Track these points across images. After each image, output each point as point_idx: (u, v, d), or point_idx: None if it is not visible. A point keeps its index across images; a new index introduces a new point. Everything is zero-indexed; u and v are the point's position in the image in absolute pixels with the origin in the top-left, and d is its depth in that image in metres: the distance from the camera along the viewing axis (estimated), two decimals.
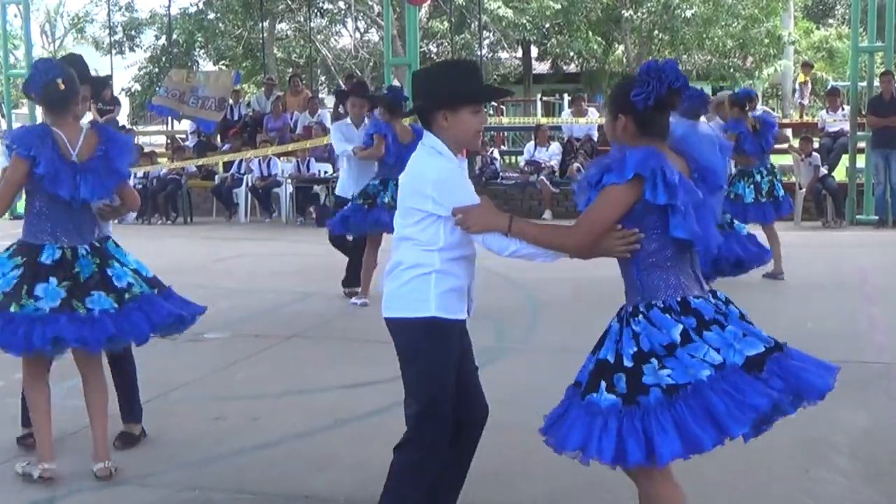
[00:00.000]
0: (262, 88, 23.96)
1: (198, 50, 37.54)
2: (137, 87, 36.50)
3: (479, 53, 29.07)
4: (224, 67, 34.37)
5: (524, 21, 30.80)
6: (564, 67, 36.76)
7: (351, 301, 9.99)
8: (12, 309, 5.01)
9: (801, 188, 16.56)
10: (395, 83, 17.54)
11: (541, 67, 38.61)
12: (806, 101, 25.41)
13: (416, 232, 3.99)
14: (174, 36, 33.50)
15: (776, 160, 12.86)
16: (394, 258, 4.09)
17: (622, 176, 3.63)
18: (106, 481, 5.25)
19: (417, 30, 20.22)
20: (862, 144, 16.74)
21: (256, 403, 6.73)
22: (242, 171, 19.38)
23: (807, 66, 25.43)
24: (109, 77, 26.35)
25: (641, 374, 3.64)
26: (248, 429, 6.18)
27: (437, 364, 4.03)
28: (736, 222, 9.92)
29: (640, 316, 3.71)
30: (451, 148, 4.06)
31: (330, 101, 26.82)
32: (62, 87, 5.21)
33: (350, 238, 10.43)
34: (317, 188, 18.64)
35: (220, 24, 36.71)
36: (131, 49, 37.21)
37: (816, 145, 17.59)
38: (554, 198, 17.97)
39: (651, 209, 3.67)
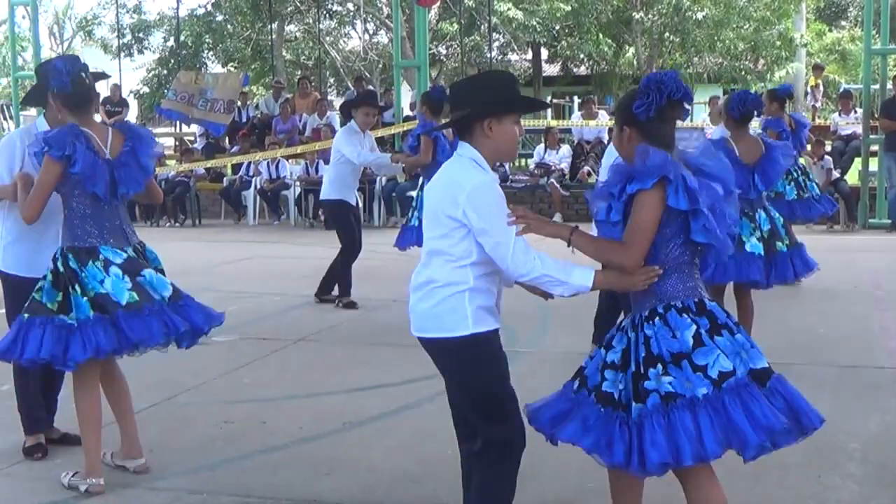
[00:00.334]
0: (271, 91, 23.99)
1: (206, 52, 37.59)
2: (146, 89, 36.57)
3: (489, 56, 29.11)
4: (232, 69, 34.42)
5: (534, 23, 30.77)
6: (575, 70, 36.73)
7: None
8: (146, 303, 5.11)
9: None
10: (405, 85, 17.54)
11: (551, 70, 38.59)
12: (818, 104, 25.37)
13: (448, 246, 3.94)
14: (182, 38, 33.57)
15: None
16: (425, 274, 4.03)
17: (646, 182, 3.67)
18: (142, 477, 5.33)
19: (427, 32, 20.24)
20: (875, 147, 16.70)
21: (263, 407, 6.73)
22: (251, 173, 19.42)
23: (818, 69, 25.39)
24: (108, 75, 26.48)
25: (646, 378, 3.71)
26: (256, 432, 6.18)
27: (491, 376, 4.03)
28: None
29: (657, 318, 3.75)
30: (489, 159, 4.03)
31: (339, 103, 26.87)
32: (88, 81, 5.26)
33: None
34: None
35: (229, 26, 36.77)
36: (139, 51, 37.30)
37: (829, 148, 17.54)
38: (564, 201, 17.96)
39: (673, 216, 3.71)
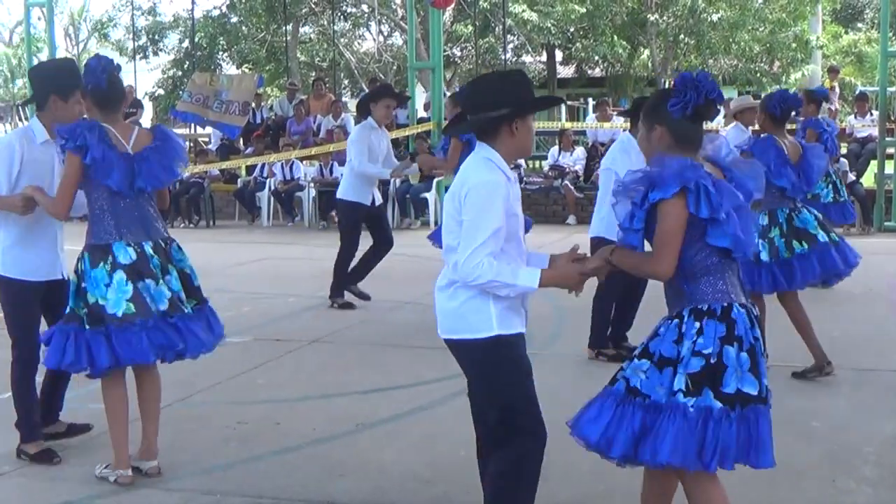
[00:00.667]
0: (285, 92, 24.02)
1: (221, 53, 37.69)
2: (161, 91, 36.68)
3: (503, 57, 29.09)
4: (247, 71, 34.48)
5: (549, 25, 30.75)
6: (589, 72, 36.70)
7: None
8: (154, 315, 5.13)
9: None
10: (420, 87, 17.53)
11: (565, 72, 38.57)
12: (834, 107, 25.29)
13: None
14: (197, 39, 33.63)
15: None
16: (448, 273, 4.05)
17: (667, 191, 3.69)
18: (156, 478, 5.34)
19: (441, 33, 20.22)
20: (891, 150, 16.65)
21: (277, 408, 6.74)
22: (265, 174, 19.44)
23: (833, 72, 25.28)
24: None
25: (631, 362, 3.88)
26: (269, 433, 6.19)
27: (510, 377, 4.03)
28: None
29: (675, 321, 3.80)
30: (510, 157, 4.05)
31: (353, 104, 26.89)
32: (118, 81, 5.31)
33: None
34: None
35: (244, 28, 36.86)
36: (154, 53, 37.42)
37: (844, 151, 17.47)
38: (578, 203, 17.93)
39: (695, 221, 3.72)
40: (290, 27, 33.58)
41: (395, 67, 35.79)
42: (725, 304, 3.76)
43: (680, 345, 3.74)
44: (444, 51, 24.97)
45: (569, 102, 29.18)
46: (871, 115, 18.38)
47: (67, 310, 5.25)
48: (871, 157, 17.43)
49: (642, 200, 3.76)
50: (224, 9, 36.92)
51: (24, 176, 5.43)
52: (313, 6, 35.52)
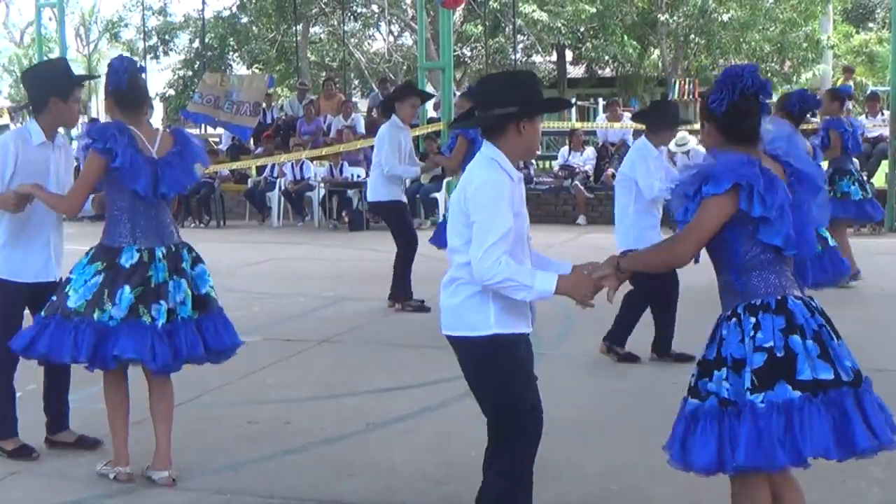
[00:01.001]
0: (295, 92, 24.04)
1: (231, 53, 37.74)
2: (171, 91, 36.74)
3: (513, 57, 29.08)
4: (257, 71, 34.52)
5: (559, 25, 30.73)
6: (599, 72, 36.67)
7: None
8: (95, 316, 5.07)
9: None
10: (429, 87, 17.53)
11: (575, 71, 38.54)
12: (847, 106, 25.18)
13: (466, 243, 3.94)
14: (207, 40, 33.68)
15: None
16: (451, 271, 4.06)
17: (720, 186, 3.66)
18: (169, 488, 5.28)
19: (451, 33, 20.21)
20: None
21: (287, 408, 6.75)
22: (275, 174, 19.47)
23: (848, 71, 25.22)
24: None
25: (710, 378, 3.74)
26: (279, 433, 6.20)
27: (505, 377, 4.02)
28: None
29: (734, 319, 3.75)
30: (516, 158, 4.05)
31: (363, 104, 26.89)
32: (142, 82, 5.32)
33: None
34: (350, 192, 18.68)
35: (254, 28, 36.90)
36: (165, 53, 37.48)
37: None
38: (588, 203, 17.92)
39: (749, 217, 3.69)
40: (300, 27, 33.58)
41: (405, 67, 35.80)
42: (779, 297, 3.72)
43: (745, 343, 3.69)
44: (455, 51, 24.96)
45: (579, 102, 29.13)
46: (883, 114, 18.33)
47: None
48: (882, 156, 17.38)
49: (695, 194, 3.74)
50: (234, 9, 36.97)
51: (18, 177, 5.43)
52: (324, 6, 35.54)
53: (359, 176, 18.73)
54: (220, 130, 22.02)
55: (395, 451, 5.81)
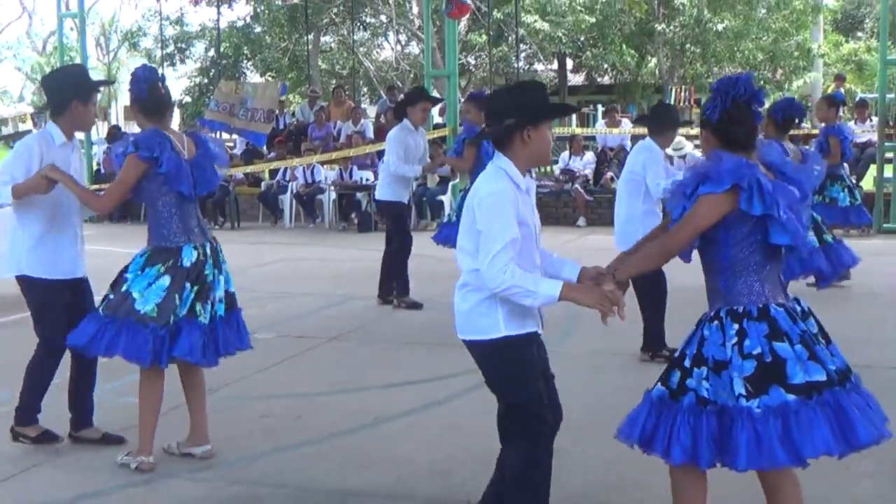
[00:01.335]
0: (307, 99, 24.04)
1: (245, 62, 37.77)
2: (188, 98, 36.77)
3: (516, 66, 29.07)
4: (270, 79, 34.54)
5: (560, 34, 30.72)
6: (599, 79, 36.63)
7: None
8: (171, 320, 5.16)
9: None
10: (435, 94, 17.50)
11: (576, 79, 38.51)
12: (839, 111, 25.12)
13: (475, 250, 3.95)
14: (222, 48, 33.69)
15: None
16: (462, 276, 4.07)
17: (719, 185, 3.67)
18: (184, 468, 5.37)
19: (456, 42, 20.22)
20: (889, 155, 16.60)
21: (299, 402, 6.76)
22: (287, 178, 19.47)
23: (839, 79, 25.17)
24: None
25: (690, 375, 3.76)
26: (291, 427, 6.21)
27: (520, 376, 4.04)
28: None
29: (716, 322, 3.76)
30: (527, 165, 4.06)
31: (372, 111, 26.89)
32: (163, 89, 5.34)
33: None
34: (359, 195, 18.68)
35: (267, 37, 36.93)
36: (182, 61, 37.54)
37: None
38: (588, 205, 17.91)
39: (746, 218, 3.69)
40: (311, 37, 33.59)
41: (412, 75, 35.80)
42: (761, 306, 3.72)
43: (726, 347, 3.70)
44: (459, 59, 24.94)
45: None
46: (871, 120, 18.31)
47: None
48: (870, 161, 17.37)
49: (692, 193, 3.75)
50: (248, 19, 37.02)
51: None
52: (334, 16, 35.55)
53: (367, 179, 18.73)
54: (234, 136, 22.02)
55: (402, 444, 5.81)
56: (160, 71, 5.57)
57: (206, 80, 35.00)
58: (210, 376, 6.83)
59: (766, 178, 3.71)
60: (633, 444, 3.90)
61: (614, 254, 4.63)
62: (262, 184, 20.25)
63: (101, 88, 6.20)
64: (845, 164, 12.21)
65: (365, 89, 37.99)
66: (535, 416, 4.02)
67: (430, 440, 5.90)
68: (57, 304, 5.56)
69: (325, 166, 19.52)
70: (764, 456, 3.59)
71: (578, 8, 30.46)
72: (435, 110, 20.84)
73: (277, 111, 20.99)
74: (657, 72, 33.55)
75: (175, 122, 28.37)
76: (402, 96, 13.53)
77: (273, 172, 20.28)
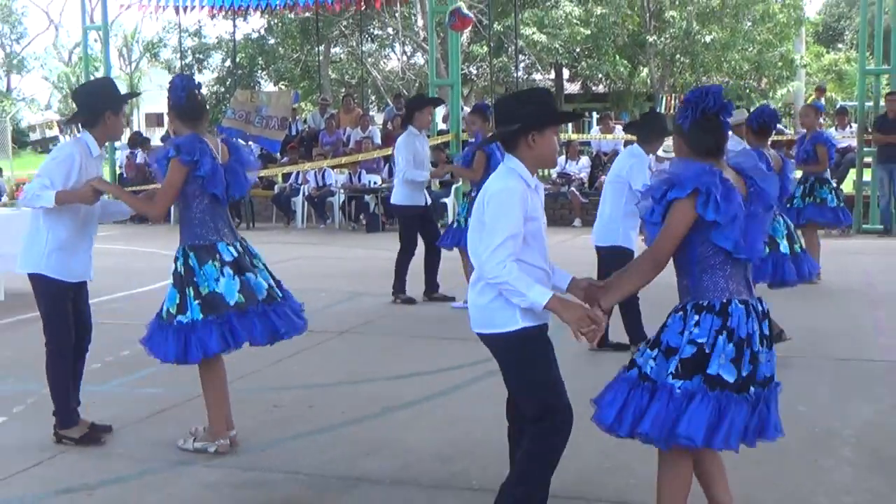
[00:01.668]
0: (318, 107, 24.05)
1: (259, 72, 37.81)
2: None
3: (515, 75, 29.07)
4: (283, 87, 34.56)
5: (556, 45, 30.72)
6: (593, 88, 36.63)
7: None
8: (251, 304, 5.28)
9: None
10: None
11: (571, 88, 38.51)
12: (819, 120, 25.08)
13: None
14: (238, 59, 33.73)
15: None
16: (476, 272, 4.05)
17: (683, 190, 3.70)
18: (234, 446, 5.42)
19: (459, 53, 20.23)
20: (868, 159, 16.56)
21: (310, 392, 6.76)
22: (299, 181, 19.49)
23: (820, 90, 25.16)
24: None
25: (642, 355, 3.86)
26: (303, 415, 6.20)
27: (541, 364, 4.03)
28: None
29: (680, 313, 3.81)
30: (533, 167, 4.05)
31: (379, 118, 26.89)
32: (200, 97, 5.35)
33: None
34: (367, 197, 18.69)
35: (280, 49, 36.99)
36: (199, 71, 37.57)
37: None
38: (583, 207, 17.91)
39: (702, 220, 3.72)
40: (322, 48, 33.62)
41: (417, 84, 35.80)
42: (724, 300, 3.75)
43: (682, 336, 3.74)
44: (462, 69, 24.90)
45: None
46: (851, 127, 18.33)
47: (163, 311, 5.30)
48: (850, 165, 17.39)
49: (661, 197, 3.77)
50: (263, 31, 37.08)
51: (79, 184, 5.44)
52: (343, 29, 35.57)
53: (375, 182, 18.73)
54: (250, 142, 22.04)
55: (408, 432, 5.80)
56: (196, 80, 5.53)
57: (222, 89, 35.04)
58: (226, 369, 6.85)
59: (724, 186, 3.71)
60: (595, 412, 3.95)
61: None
62: (276, 187, 20.27)
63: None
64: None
65: (373, 97, 38.01)
66: (553, 407, 4.00)
67: (435, 429, 5.90)
68: (66, 304, 5.55)
69: (335, 170, 19.54)
70: (660, 427, 3.67)
71: (574, 21, 30.43)
72: (439, 118, 20.86)
73: (290, 118, 20.99)
74: (649, 81, 33.54)
75: None
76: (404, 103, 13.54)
77: (286, 176, 20.31)
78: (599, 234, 7.63)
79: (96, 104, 5.51)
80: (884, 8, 18.05)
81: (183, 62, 32.68)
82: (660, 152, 13.16)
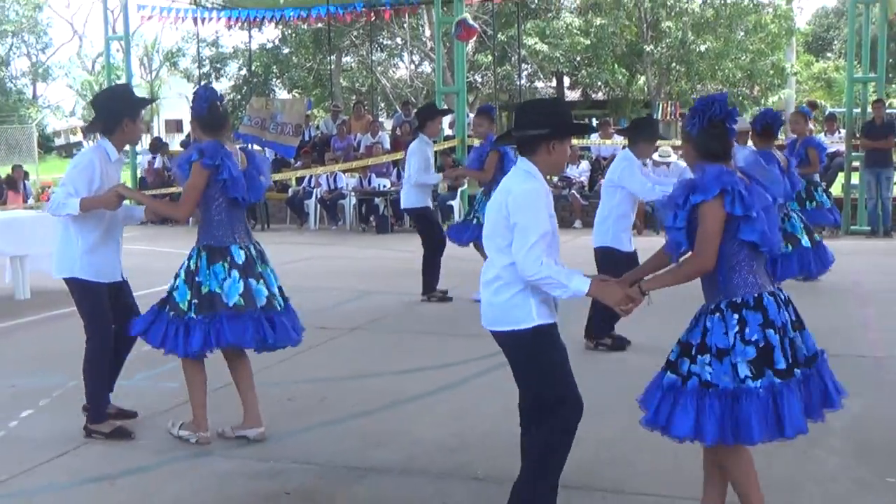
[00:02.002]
0: (330, 113, 24.05)
1: (274, 80, 37.83)
2: None
3: (518, 83, 29.10)
4: (297, 95, 34.57)
5: (558, 55, 30.70)
6: (593, 95, 36.56)
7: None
8: (256, 306, 5.26)
9: None
10: (444, 107, 17.50)
11: (572, 95, 38.43)
12: (809, 126, 25.00)
13: (506, 247, 3.95)
14: (254, 67, 33.74)
15: None
16: (492, 272, 4.05)
17: (709, 193, 3.72)
18: (218, 447, 5.38)
19: (465, 62, 20.23)
20: (856, 164, 16.55)
21: (322, 386, 6.76)
22: (312, 184, 19.49)
23: (811, 105, 25.11)
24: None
25: (694, 362, 3.80)
26: (315, 408, 6.21)
27: (555, 360, 4.04)
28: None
29: (718, 314, 3.80)
30: (544, 172, 4.07)
31: (388, 124, 26.89)
32: (221, 108, 5.38)
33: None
34: (377, 200, 18.68)
35: (294, 58, 36.99)
36: (216, 79, 37.59)
37: None
38: (584, 210, 17.88)
39: (731, 220, 3.74)
40: (334, 57, 33.63)
41: (424, 92, 35.80)
42: (756, 295, 3.77)
43: (728, 336, 3.74)
44: (467, 77, 24.93)
45: (575, 122, 29.00)
46: (839, 133, 18.28)
47: (170, 300, 5.33)
48: (838, 169, 17.36)
49: (684, 202, 3.78)
50: (277, 41, 37.08)
51: (99, 189, 5.46)
52: (354, 39, 35.58)
53: (385, 186, 18.72)
54: (265, 148, 22.05)
55: (415, 425, 5.80)
56: (219, 92, 5.55)
57: (238, 97, 35.04)
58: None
59: (744, 183, 3.77)
60: (655, 429, 3.89)
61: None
62: (290, 190, 20.26)
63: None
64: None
65: (382, 104, 37.99)
66: (563, 399, 4.00)
67: (441, 421, 5.90)
68: (104, 304, 5.56)
69: (346, 174, 19.53)
70: (769, 429, 3.67)
71: (575, 31, 30.41)
72: (445, 123, 20.86)
73: (304, 125, 21.00)
74: (646, 88, 33.51)
75: None
76: (415, 111, 13.53)
77: (299, 179, 20.30)
78: (595, 237, 7.66)
79: (114, 112, 5.51)
80: (871, 18, 18.02)
81: (201, 71, 32.68)
82: (656, 156, 13.12)
